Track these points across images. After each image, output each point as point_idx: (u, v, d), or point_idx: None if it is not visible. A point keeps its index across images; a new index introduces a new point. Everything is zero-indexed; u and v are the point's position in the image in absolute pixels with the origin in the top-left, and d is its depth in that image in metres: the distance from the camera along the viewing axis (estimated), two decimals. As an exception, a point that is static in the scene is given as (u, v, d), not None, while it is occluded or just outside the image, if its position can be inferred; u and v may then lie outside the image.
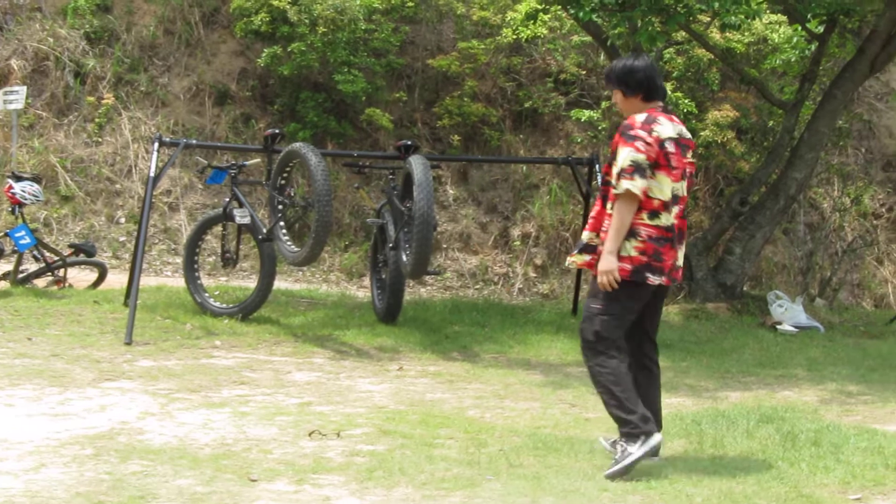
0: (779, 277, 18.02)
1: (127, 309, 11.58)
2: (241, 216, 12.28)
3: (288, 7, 16.94)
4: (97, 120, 17.54)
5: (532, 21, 16.70)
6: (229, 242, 12.94)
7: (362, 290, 15.78)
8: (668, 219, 7.03)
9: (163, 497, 6.09)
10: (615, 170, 6.99)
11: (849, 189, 19.12)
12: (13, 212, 13.40)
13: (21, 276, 13.43)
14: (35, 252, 13.55)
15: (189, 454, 6.97)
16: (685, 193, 7.23)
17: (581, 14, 12.86)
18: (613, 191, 6.98)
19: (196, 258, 12.66)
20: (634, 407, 6.93)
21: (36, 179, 13.68)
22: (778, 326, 14.23)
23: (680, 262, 7.21)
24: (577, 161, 13.93)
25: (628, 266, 6.96)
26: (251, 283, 13.93)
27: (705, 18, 15.38)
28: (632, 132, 7.00)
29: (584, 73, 19.00)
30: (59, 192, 16.80)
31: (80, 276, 14.12)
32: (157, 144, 12.36)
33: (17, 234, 13.10)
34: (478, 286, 17.02)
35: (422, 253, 11.03)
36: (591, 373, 7.13)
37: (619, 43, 15.07)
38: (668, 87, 17.44)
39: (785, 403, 9.57)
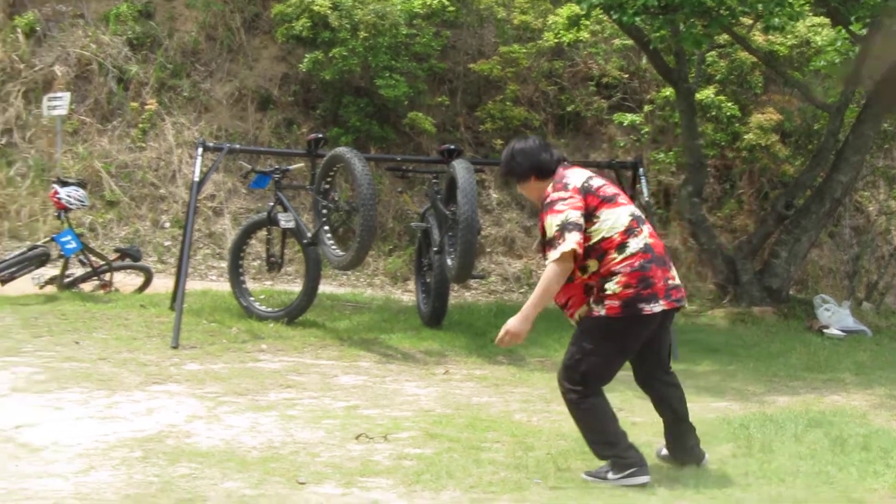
0: (825, 281, 17.91)
1: (173, 313, 11.65)
2: (286, 220, 12.30)
3: (329, 12, 16.96)
4: (140, 125, 17.63)
5: (575, 27, 16.66)
6: (274, 246, 12.97)
7: (407, 294, 15.79)
8: (639, 242, 6.77)
9: (212, 500, 6.12)
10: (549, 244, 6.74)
11: (895, 192, 19.00)
12: (59, 217, 13.45)
13: (67, 280, 13.48)
14: (81, 257, 13.61)
15: (237, 457, 6.99)
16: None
17: (624, 17, 12.82)
18: (546, 262, 6.73)
19: (241, 262, 12.71)
20: (617, 440, 6.80)
21: (81, 184, 13.73)
22: (825, 330, 14.16)
23: (677, 280, 6.93)
24: (621, 165, 13.83)
25: (616, 303, 6.68)
26: (296, 287, 13.96)
27: (748, 21, 15.30)
28: (548, 201, 6.81)
29: (626, 76, 18.98)
30: (105, 196, 16.88)
31: (125, 281, 14.17)
32: (200, 149, 12.38)
33: (63, 239, 13.17)
34: (522, 290, 16.98)
35: (466, 257, 11.00)
36: (570, 404, 6.92)
37: (662, 46, 15.03)
38: (711, 90, 17.42)
39: (833, 408, 9.51)
